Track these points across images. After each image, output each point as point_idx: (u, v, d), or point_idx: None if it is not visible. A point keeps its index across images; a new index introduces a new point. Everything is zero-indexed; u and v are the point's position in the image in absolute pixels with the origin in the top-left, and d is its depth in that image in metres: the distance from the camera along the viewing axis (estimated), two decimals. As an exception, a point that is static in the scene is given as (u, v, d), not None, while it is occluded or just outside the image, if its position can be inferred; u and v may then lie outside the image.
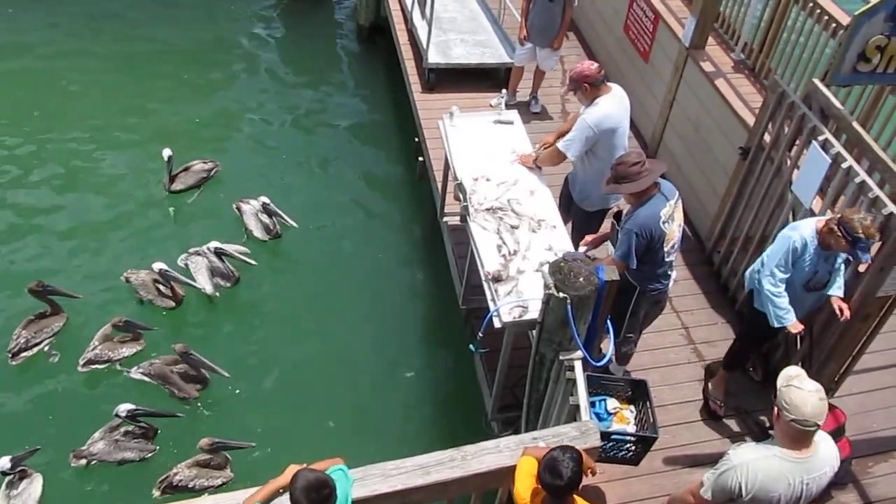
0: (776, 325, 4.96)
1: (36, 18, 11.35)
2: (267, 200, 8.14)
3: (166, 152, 8.40)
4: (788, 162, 5.84)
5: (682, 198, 5.09)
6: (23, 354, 6.86)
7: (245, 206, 8.30)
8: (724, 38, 7.74)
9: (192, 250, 7.67)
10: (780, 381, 3.55)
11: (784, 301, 4.88)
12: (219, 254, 7.59)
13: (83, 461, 6.09)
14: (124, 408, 6.08)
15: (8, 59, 10.48)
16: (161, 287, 7.33)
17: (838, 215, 4.60)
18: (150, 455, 6.19)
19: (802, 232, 4.80)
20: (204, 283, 7.45)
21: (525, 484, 3.68)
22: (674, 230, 4.98)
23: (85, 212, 8.36)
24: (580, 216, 6.17)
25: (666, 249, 4.99)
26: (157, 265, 7.19)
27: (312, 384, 6.92)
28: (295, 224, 8.22)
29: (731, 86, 6.90)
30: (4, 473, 5.78)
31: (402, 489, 3.80)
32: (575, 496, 3.56)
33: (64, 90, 10.09)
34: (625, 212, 5.14)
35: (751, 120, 6.38)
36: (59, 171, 8.86)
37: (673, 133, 7.76)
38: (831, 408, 4.53)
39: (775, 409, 3.52)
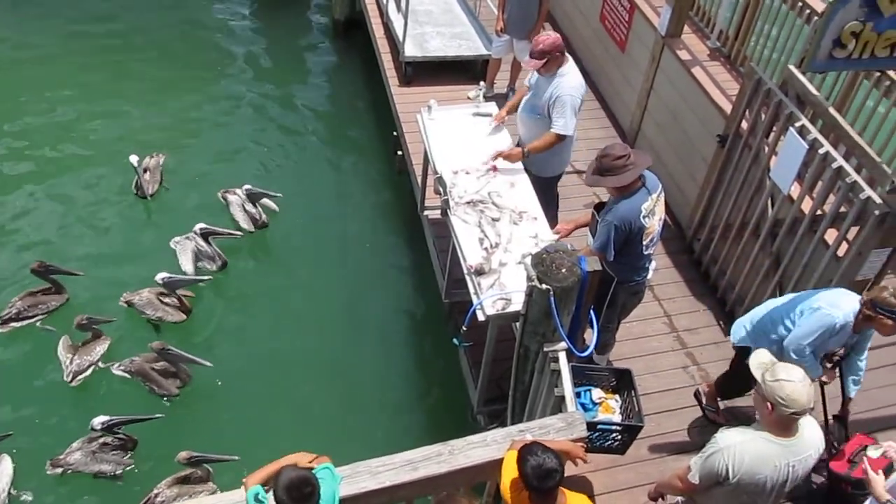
0: None
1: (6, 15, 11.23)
2: (249, 186, 8.16)
3: (133, 159, 8.30)
4: (766, 148, 5.87)
5: (663, 187, 5.10)
6: (11, 324, 6.90)
7: (231, 197, 8.29)
8: (699, 27, 7.77)
9: (182, 236, 7.73)
10: (762, 373, 3.56)
11: (811, 362, 4.60)
12: (205, 235, 7.60)
13: (59, 470, 6.01)
14: (98, 421, 5.98)
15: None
16: (167, 300, 7.19)
17: (868, 300, 4.34)
18: (125, 469, 6.08)
19: (844, 311, 4.45)
20: (186, 264, 7.49)
21: (510, 476, 3.68)
22: (654, 224, 4.99)
23: (69, 217, 8.25)
24: (539, 185, 6.14)
25: (645, 243, 5.00)
26: (160, 276, 7.06)
27: (295, 380, 6.88)
28: (279, 194, 8.29)
29: (707, 74, 6.92)
30: None
31: (391, 486, 3.79)
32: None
33: (33, 89, 9.94)
34: (607, 202, 5.14)
35: (728, 107, 6.40)
36: (32, 170, 8.77)
37: (651, 122, 7.78)
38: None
39: (767, 404, 3.51)
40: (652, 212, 4.92)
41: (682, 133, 7.17)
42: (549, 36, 5.82)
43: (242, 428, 6.43)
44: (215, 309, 7.46)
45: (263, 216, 8.25)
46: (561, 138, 5.90)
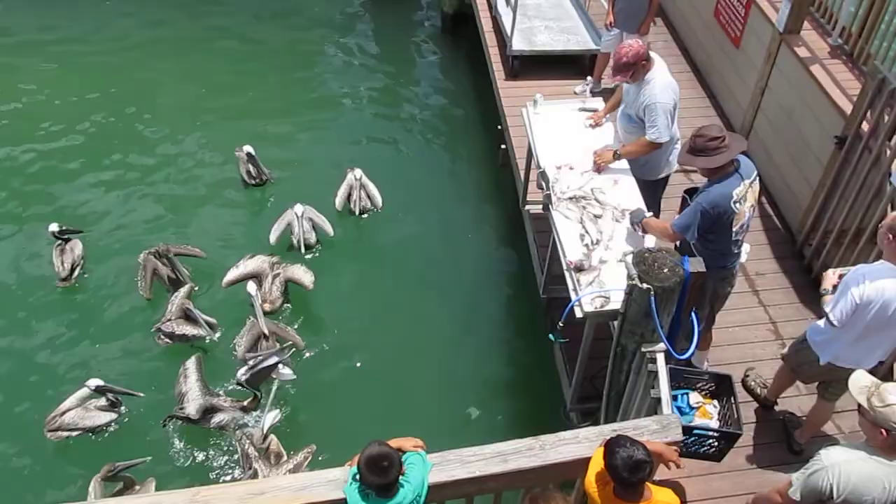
0: None
1: (124, 7, 11.85)
2: (359, 174, 8.35)
3: (247, 148, 8.57)
4: (888, 152, 5.58)
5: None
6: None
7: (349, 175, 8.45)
8: (820, 23, 7.44)
9: (291, 207, 7.90)
10: (867, 398, 3.42)
11: None
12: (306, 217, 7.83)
13: (60, 433, 6.30)
14: (94, 382, 6.29)
15: (96, 45, 11.01)
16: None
17: None
18: (116, 420, 6.39)
19: None
20: (274, 232, 7.80)
21: (596, 472, 3.65)
22: (744, 211, 4.87)
23: (184, 212, 8.59)
24: (644, 188, 6.00)
25: (734, 230, 4.88)
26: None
27: (387, 366, 6.99)
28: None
29: (827, 72, 6.63)
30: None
31: (480, 476, 3.80)
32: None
33: (146, 83, 10.41)
34: (700, 187, 5.04)
35: (848, 108, 6.12)
36: (144, 162, 9.20)
37: (764, 121, 7.51)
38: None
39: (881, 430, 3.37)
40: (744, 198, 4.80)
41: (797, 133, 6.90)
42: (630, 47, 5.61)
43: (332, 412, 6.58)
44: (306, 294, 7.55)
45: (367, 201, 8.41)
46: (655, 146, 5.77)
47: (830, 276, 4.52)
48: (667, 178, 6.24)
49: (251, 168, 8.66)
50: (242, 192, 8.83)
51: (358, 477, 3.58)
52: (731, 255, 5.08)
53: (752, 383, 5.60)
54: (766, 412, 5.51)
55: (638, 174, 6.02)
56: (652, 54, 5.76)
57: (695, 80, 8.92)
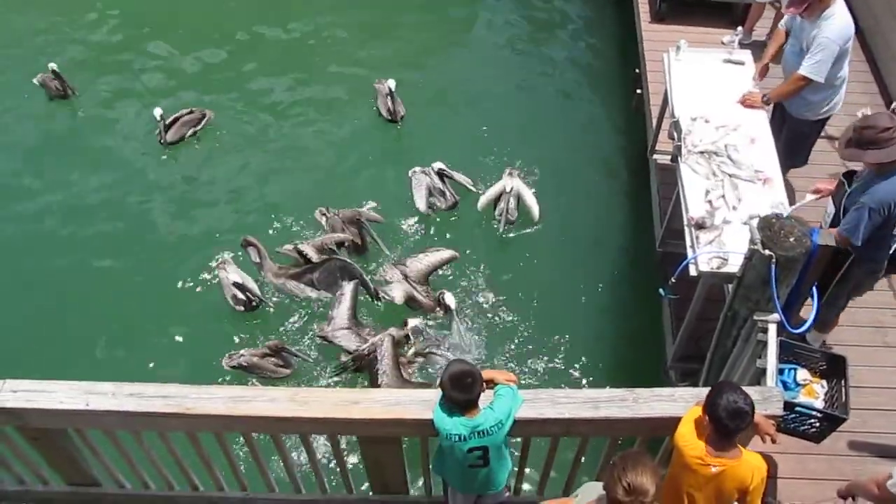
0: None
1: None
2: (511, 186, 7.68)
3: (389, 83, 8.55)
4: None
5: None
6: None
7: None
8: None
9: (420, 168, 7.74)
10: None
11: None
12: (441, 175, 7.65)
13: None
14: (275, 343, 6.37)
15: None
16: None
17: None
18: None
19: None
20: (419, 200, 7.60)
21: (689, 427, 3.61)
22: None
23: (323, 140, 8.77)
24: (796, 128, 5.76)
25: None
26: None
27: (495, 300, 7.01)
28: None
29: None
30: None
31: (569, 418, 3.82)
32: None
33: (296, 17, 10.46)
34: (859, 173, 4.67)
35: None
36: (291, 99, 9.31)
37: (927, 95, 6.98)
38: None
39: None
40: None
41: (963, 112, 6.38)
42: None
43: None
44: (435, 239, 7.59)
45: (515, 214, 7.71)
46: (806, 81, 5.45)
47: None
48: (824, 122, 5.94)
49: (389, 103, 8.65)
50: (377, 126, 8.85)
51: (443, 396, 3.69)
52: (887, 247, 4.71)
53: None
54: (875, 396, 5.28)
55: (797, 112, 5.76)
56: None
57: (855, 42, 8.31)
